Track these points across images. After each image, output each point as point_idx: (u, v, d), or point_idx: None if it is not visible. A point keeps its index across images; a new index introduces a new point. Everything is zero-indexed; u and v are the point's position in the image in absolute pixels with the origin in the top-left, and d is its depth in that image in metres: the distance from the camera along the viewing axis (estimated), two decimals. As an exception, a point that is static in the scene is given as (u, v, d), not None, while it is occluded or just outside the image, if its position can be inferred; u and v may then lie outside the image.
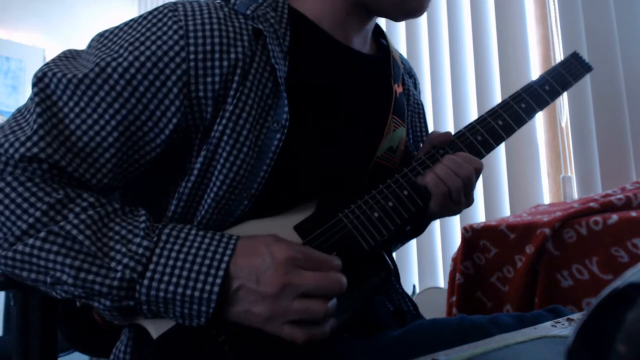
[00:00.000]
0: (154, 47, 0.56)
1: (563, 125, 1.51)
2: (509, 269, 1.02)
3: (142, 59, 0.56)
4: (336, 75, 0.68)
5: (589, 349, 0.25)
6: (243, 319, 0.53)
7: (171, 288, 0.51)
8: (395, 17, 0.71)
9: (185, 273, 0.52)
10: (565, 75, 0.74)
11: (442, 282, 1.79)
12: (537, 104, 0.71)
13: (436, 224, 1.80)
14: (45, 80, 0.55)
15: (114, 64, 0.55)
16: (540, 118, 1.56)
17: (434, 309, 1.53)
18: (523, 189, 1.54)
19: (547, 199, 1.53)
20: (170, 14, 0.58)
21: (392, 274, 0.66)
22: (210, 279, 0.51)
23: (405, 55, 1.93)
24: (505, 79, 1.59)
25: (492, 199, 1.61)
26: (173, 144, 0.60)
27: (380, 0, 0.67)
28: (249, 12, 0.61)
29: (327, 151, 0.66)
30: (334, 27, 0.69)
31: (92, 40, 0.62)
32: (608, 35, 1.34)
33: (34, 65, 2.97)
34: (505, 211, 1.58)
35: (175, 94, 0.57)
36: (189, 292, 0.51)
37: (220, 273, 0.52)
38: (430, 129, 1.89)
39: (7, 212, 0.51)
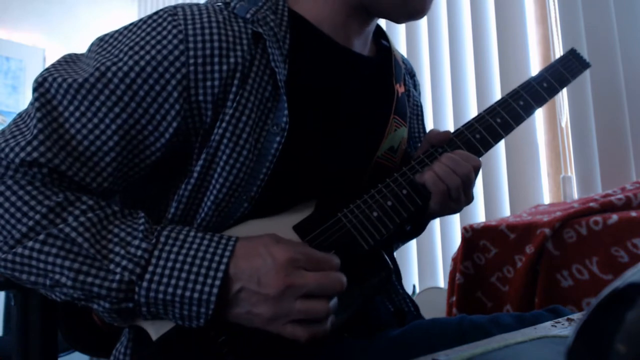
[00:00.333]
0: (153, 52, 0.56)
1: (563, 125, 1.51)
2: (509, 269, 1.02)
3: (142, 63, 0.56)
4: (336, 78, 0.68)
5: (589, 349, 0.25)
6: (245, 320, 0.53)
7: (170, 290, 0.51)
8: (397, 19, 0.70)
9: (184, 275, 0.52)
10: (563, 72, 0.74)
11: (442, 282, 1.79)
12: (535, 101, 0.71)
13: (436, 224, 1.80)
14: (46, 85, 0.56)
15: (114, 68, 0.56)
16: (540, 118, 1.56)
17: (434, 309, 1.53)
18: (523, 189, 1.54)
19: (547, 199, 1.53)
20: (169, 18, 0.58)
21: (392, 274, 0.66)
22: (209, 281, 0.51)
23: (405, 55, 1.93)
24: (505, 79, 1.59)
25: (492, 199, 1.61)
26: (173, 148, 0.60)
27: (381, 2, 0.67)
28: (248, 15, 0.61)
29: (327, 153, 0.66)
30: (334, 30, 0.69)
31: (92, 44, 0.62)
32: (608, 35, 1.34)
33: (34, 65, 2.97)
34: (505, 211, 1.58)
35: (175, 98, 0.57)
36: (188, 293, 0.51)
37: (220, 274, 0.52)
38: (430, 128, 1.89)
39: (7, 215, 0.52)
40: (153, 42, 0.57)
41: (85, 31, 3.10)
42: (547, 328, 0.45)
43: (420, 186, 0.66)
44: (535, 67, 1.57)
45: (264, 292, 0.51)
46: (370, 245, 0.62)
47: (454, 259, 1.14)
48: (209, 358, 0.55)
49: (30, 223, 0.51)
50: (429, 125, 1.86)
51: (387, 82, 0.75)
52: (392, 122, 0.72)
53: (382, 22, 2.06)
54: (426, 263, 1.83)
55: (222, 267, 0.52)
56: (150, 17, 0.60)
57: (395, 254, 2.01)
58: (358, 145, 0.70)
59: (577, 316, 0.51)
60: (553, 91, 0.73)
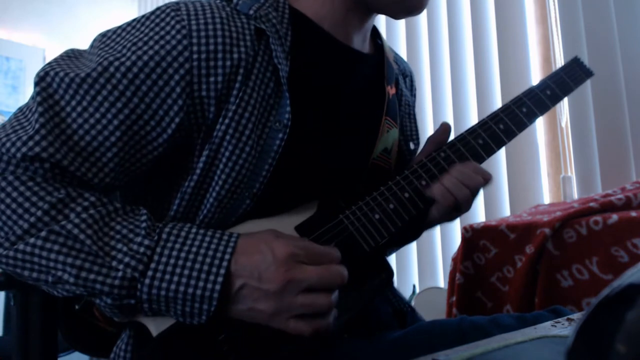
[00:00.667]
0: (157, 47, 0.56)
1: (563, 125, 1.51)
2: (509, 269, 1.02)
3: (145, 58, 0.56)
4: (336, 75, 0.69)
5: (589, 349, 0.25)
6: (247, 317, 0.53)
7: (172, 287, 0.51)
8: (395, 15, 0.71)
9: (186, 271, 0.52)
10: (566, 80, 0.74)
11: (442, 282, 1.79)
12: (538, 108, 0.72)
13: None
14: (48, 80, 0.55)
15: (116, 63, 0.55)
16: (540, 118, 1.55)
17: (434, 309, 1.53)
18: (523, 189, 1.54)
19: (547, 199, 1.53)
20: (172, 14, 0.58)
21: (393, 275, 0.67)
22: (212, 277, 0.51)
23: (405, 55, 1.93)
24: (505, 79, 1.59)
25: (492, 199, 1.61)
26: (175, 143, 0.60)
27: None
28: (251, 12, 0.61)
29: (327, 151, 0.66)
30: (334, 26, 0.69)
31: (95, 40, 0.62)
32: (608, 36, 1.34)
33: (34, 65, 2.97)
34: (505, 211, 1.58)
35: (178, 93, 0.57)
36: (190, 290, 0.51)
37: (222, 271, 0.52)
38: (431, 128, 1.90)
39: (8, 212, 0.51)
40: (156, 37, 0.57)
41: (85, 31, 3.10)
42: (547, 328, 0.45)
43: (424, 193, 0.66)
44: (535, 67, 1.57)
45: (265, 287, 0.51)
46: (371, 247, 0.62)
47: (454, 259, 1.14)
48: (209, 355, 0.55)
49: (32, 219, 0.51)
50: (430, 125, 1.86)
51: (381, 83, 0.75)
52: (384, 123, 0.73)
53: (382, 22, 2.06)
54: (426, 263, 1.83)
55: (225, 263, 0.52)
56: (153, 12, 0.60)
57: (395, 254, 2.01)
58: (356, 144, 0.70)
59: (577, 316, 0.51)
60: (556, 99, 0.73)
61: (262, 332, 0.54)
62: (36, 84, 0.55)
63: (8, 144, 0.53)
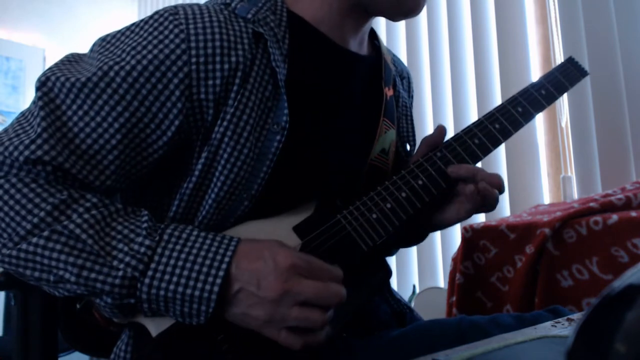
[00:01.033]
0: (155, 51, 0.57)
1: (563, 125, 1.51)
2: (509, 269, 1.02)
3: (145, 62, 0.57)
4: (334, 78, 0.69)
5: (589, 349, 0.25)
6: (241, 321, 0.54)
7: (172, 287, 0.52)
8: (392, 17, 0.71)
9: (186, 272, 0.52)
10: (561, 79, 0.75)
11: (442, 282, 1.79)
12: (533, 108, 0.72)
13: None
14: (49, 84, 0.56)
15: (116, 67, 0.56)
16: (540, 118, 1.56)
17: (434, 309, 1.53)
18: (523, 189, 1.54)
19: (547, 199, 1.53)
20: (170, 17, 0.59)
21: (391, 275, 0.67)
22: (210, 279, 0.52)
23: (405, 55, 1.93)
24: (505, 79, 1.59)
25: (492, 199, 1.60)
26: (175, 146, 0.60)
27: (377, 1, 0.68)
28: (249, 15, 0.62)
29: (325, 152, 0.66)
30: (332, 29, 0.69)
31: (94, 44, 0.62)
32: (608, 35, 1.34)
33: (34, 65, 2.97)
34: (505, 211, 1.58)
35: (177, 96, 0.57)
36: (189, 291, 0.51)
37: (221, 273, 0.52)
38: (430, 128, 1.89)
39: (12, 213, 0.52)
40: (155, 41, 0.58)
41: (85, 31, 3.11)
42: (547, 328, 0.45)
43: (422, 193, 0.66)
44: (535, 67, 1.57)
45: (262, 295, 0.51)
46: (369, 246, 0.62)
47: (454, 259, 1.14)
48: (208, 355, 0.55)
49: (35, 220, 0.52)
50: (429, 125, 1.86)
51: (378, 84, 0.75)
52: (382, 124, 0.73)
53: (382, 22, 2.06)
54: (426, 263, 1.83)
55: (224, 266, 0.52)
56: (151, 17, 0.61)
57: (394, 254, 2.01)
58: (354, 145, 0.70)
59: (577, 316, 0.51)
60: (551, 98, 0.73)
61: (260, 334, 0.54)
62: (37, 88, 0.56)
63: (11, 148, 0.53)
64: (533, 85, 0.73)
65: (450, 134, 0.71)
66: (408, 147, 0.82)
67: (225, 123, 0.59)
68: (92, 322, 0.61)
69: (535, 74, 1.55)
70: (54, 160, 0.53)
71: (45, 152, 0.53)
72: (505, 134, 0.70)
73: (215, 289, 0.51)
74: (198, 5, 0.61)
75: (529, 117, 0.71)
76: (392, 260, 1.92)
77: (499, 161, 1.61)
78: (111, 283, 0.51)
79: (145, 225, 0.54)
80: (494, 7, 1.63)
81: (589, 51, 1.36)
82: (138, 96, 0.56)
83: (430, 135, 0.71)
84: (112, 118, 0.56)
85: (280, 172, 0.61)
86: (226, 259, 0.53)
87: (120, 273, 0.51)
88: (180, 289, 0.51)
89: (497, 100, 1.62)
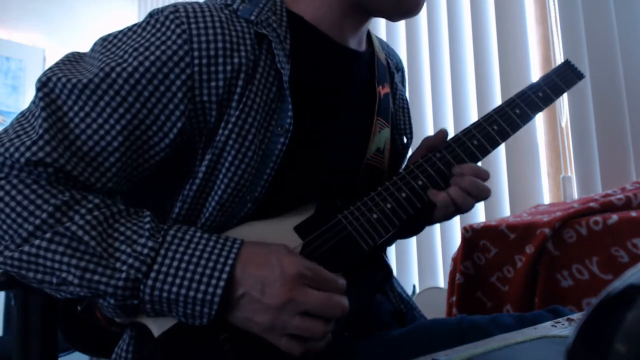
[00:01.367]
0: (158, 52, 0.56)
1: (563, 125, 1.51)
2: (509, 269, 1.02)
3: (147, 63, 0.56)
4: (335, 77, 0.69)
5: (589, 349, 0.25)
6: (243, 325, 0.54)
7: (174, 289, 0.51)
8: (392, 17, 0.71)
9: (189, 274, 0.52)
10: (558, 82, 0.76)
11: (442, 282, 1.79)
12: (530, 109, 0.73)
13: (436, 224, 1.80)
14: (50, 85, 0.56)
15: (118, 69, 0.56)
16: (540, 118, 1.56)
17: (434, 309, 1.53)
18: (523, 189, 1.54)
19: (547, 199, 1.53)
20: (172, 17, 0.58)
21: (392, 274, 0.67)
22: (213, 281, 0.52)
23: (405, 55, 1.93)
24: (505, 79, 1.59)
25: (492, 199, 1.61)
26: (177, 148, 0.60)
27: (377, 1, 0.68)
28: (252, 17, 0.61)
29: (324, 152, 0.66)
30: (331, 29, 0.69)
31: (95, 44, 0.62)
32: (608, 35, 1.34)
33: (34, 65, 2.97)
34: (505, 211, 1.58)
35: (179, 98, 0.57)
36: (192, 293, 0.51)
37: (224, 276, 0.52)
38: (431, 129, 1.90)
39: (13, 215, 0.52)
40: (157, 42, 0.57)
41: (85, 31, 3.11)
42: (547, 328, 0.45)
43: (422, 193, 0.66)
44: (535, 67, 1.57)
45: (265, 301, 0.52)
46: (370, 246, 0.62)
47: (454, 259, 1.14)
48: (210, 355, 0.55)
49: (37, 222, 0.51)
50: (429, 125, 1.86)
51: (372, 83, 0.75)
52: (376, 123, 0.73)
53: (382, 22, 2.05)
54: (426, 263, 1.83)
55: (227, 268, 0.52)
56: (152, 16, 0.60)
57: (395, 254, 2.01)
58: (351, 145, 0.70)
59: (577, 316, 0.51)
60: (548, 100, 0.74)
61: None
62: (38, 89, 0.56)
63: (12, 149, 0.53)
64: (530, 87, 0.74)
65: (450, 134, 0.71)
66: (405, 140, 0.82)
67: (229, 126, 0.58)
68: (93, 322, 0.61)
69: (535, 74, 1.55)
70: (56, 162, 0.53)
71: (47, 153, 0.53)
72: (503, 136, 0.71)
73: (219, 291, 0.51)
74: (198, 3, 0.61)
75: (526, 118, 0.72)
76: (392, 260, 1.92)
77: (499, 161, 1.61)
78: (114, 285, 0.51)
79: (148, 226, 0.54)
80: (494, 7, 1.63)
81: (589, 51, 1.36)
82: (140, 98, 0.56)
83: (431, 137, 0.71)
84: (114, 120, 0.55)
85: (282, 174, 0.61)
86: (229, 262, 0.53)
87: (123, 275, 0.51)
88: (183, 291, 0.51)
89: (497, 100, 1.62)
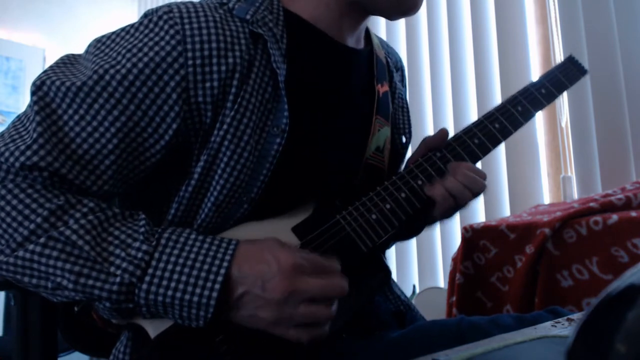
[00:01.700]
0: (151, 53, 0.56)
1: (563, 125, 1.51)
2: (509, 269, 1.02)
3: (140, 65, 0.56)
4: (334, 76, 0.69)
5: (589, 349, 0.25)
6: (248, 323, 0.54)
7: (170, 292, 0.51)
8: (390, 16, 0.71)
9: (184, 277, 0.52)
10: (561, 78, 0.75)
11: (442, 282, 1.79)
12: (533, 106, 0.72)
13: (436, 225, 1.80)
14: (44, 89, 0.55)
15: (112, 71, 0.55)
16: (540, 118, 1.56)
17: (434, 309, 1.53)
18: (523, 189, 1.53)
19: (547, 199, 1.53)
20: (165, 17, 0.58)
21: (390, 275, 0.67)
22: (209, 284, 0.51)
23: (405, 55, 1.93)
24: (505, 79, 1.59)
25: (492, 199, 1.61)
26: (173, 149, 0.60)
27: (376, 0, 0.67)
28: (248, 16, 0.61)
29: (323, 152, 0.66)
30: (329, 27, 0.69)
31: (89, 46, 0.61)
32: (608, 35, 1.34)
33: (34, 65, 2.97)
34: (505, 211, 1.58)
35: (174, 99, 0.57)
36: (187, 297, 0.51)
37: (220, 278, 0.52)
38: (431, 128, 1.89)
39: (8, 219, 0.52)
40: (151, 43, 0.57)
41: (85, 31, 3.10)
42: (547, 328, 0.45)
43: (423, 194, 0.66)
44: (535, 67, 1.57)
45: (268, 297, 0.52)
46: (368, 247, 0.62)
47: (454, 259, 1.14)
48: (207, 356, 0.55)
49: (32, 226, 0.51)
50: (429, 125, 1.86)
51: (371, 82, 0.75)
52: (375, 122, 0.73)
53: (382, 22, 2.05)
54: (426, 263, 1.83)
55: (222, 271, 0.52)
56: (146, 16, 0.60)
57: (395, 254, 2.00)
58: (350, 145, 0.70)
59: (577, 316, 0.51)
60: (551, 97, 0.73)
61: (259, 334, 0.54)
62: (33, 93, 0.55)
63: (7, 154, 0.53)
64: (533, 84, 0.73)
65: (450, 133, 0.71)
66: (404, 140, 0.82)
67: (225, 126, 0.58)
68: (91, 322, 0.61)
69: (535, 74, 1.55)
70: (51, 166, 0.53)
71: (42, 157, 0.52)
72: (505, 134, 0.70)
73: (214, 294, 0.51)
74: (192, 3, 0.60)
75: (528, 116, 0.71)
76: (392, 260, 1.92)
77: (499, 161, 1.61)
78: (108, 289, 0.51)
79: (142, 229, 0.54)
80: (494, 7, 1.63)
81: (589, 51, 1.36)
82: (134, 100, 0.56)
83: (432, 137, 0.71)
84: (109, 123, 0.55)
85: (279, 174, 0.61)
86: (225, 263, 0.52)
87: (118, 279, 0.51)
88: (178, 294, 0.51)
89: (497, 100, 1.62)
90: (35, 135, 0.53)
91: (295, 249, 0.56)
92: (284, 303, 0.51)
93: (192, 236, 0.55)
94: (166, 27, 0.57)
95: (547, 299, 0.93)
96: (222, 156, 0.58)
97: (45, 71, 0.58)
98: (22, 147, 0.53)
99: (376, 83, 0.75)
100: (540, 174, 1.52)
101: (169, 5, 0.59)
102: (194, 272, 0.52)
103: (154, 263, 0.52)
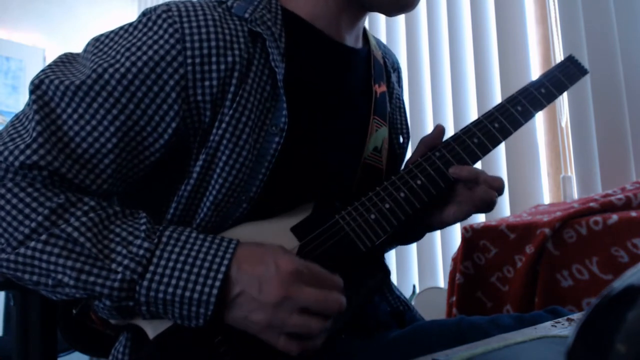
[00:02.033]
0: (150, 52, 0.56)
1: (563, 125, 1.51)
2: (509, 269, 1.02)
3: (140, 64, 0.56)
4: (332, 75, 0.69)
5: (589, 349, 0.25)
6: (240, 325, 0.53)
7: (170, 290, 0.51)
8: (388, 12, 0.71)
9: (185, 275, 0.52)
10: (561, 78, 0.74)
11: (442, 282, 1.79)
12: (533, 106, 0.71)
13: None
14: (43, 88, 0.55)
15: (111, 70, 0.55)
16: (540, 118, 1.56)
17: (434, 309, 1.53)
18: (523, 189, 1.53)
19: (547, 199, 1.53)
20: (164, 15, 0.58)
21: (389, 275, 0.67)
22: (209, 282, 0.51)
23: (405, 55, 1.93)
24: (505, 79, 1.59)
25: (492, 199, 1.60)
26: (172, 148, 0.60)
27: None
28: (247, 15, 0.61)
29: (321, 152, 0.66)
30: (328, 25, 0.69)
31: (88, 44, 0.61)
32: (608, 35, 1.34)
33: (34, 65, 2.97)
34: (505, 211, 1.58)
35: (173, 98, 0.57)
36: (188, 293, 0.51)
37: (220, 276, 0.52)
38: (430, 129, 1.89)
39: (9, 218, 0.52)
40: (150, 42, 0.57)
41: (85, 31, 3.10)
42: (547, 328, 0.45)
43: (421, 192, 0.66)
44: (535, 67, 1.57)
45: (262, 299, 0.51)
46: (367, 247, 0.62)
47: (454, 259, 1.14)
48: (206, 357, 0.55)
49: (33, 225, 0.51)
50: (429, 125, 1.86)
51: (368, 82, 0.75)
52: (373, 122, 0.73)
53: (382, 21, 2.06)
54: (426, 263, 1.83)
55: (223, 269, 0.52)
56: (145, 15, 0.60)
57: (395, 254, 2.00)
58: (348, 145, 0.70)
59: (577, 316, 0.51)
60: (551, 97, 0.73)
61: (257, 337, 0.54)
62: (31, 92, 0.55)
63: (6, 153, 0.53)
64: (532, 84, 0.73)
65: (450, 133, 0.71)
66: (401, 140, 0.82)
67: (223, 125, 0.58)
68: (91, 322, 0.61)
69: (535, 74, 1.55)
70: (50, 165, 0.53)
71: (41, 157, 0.52)
72: (504, 133, 0.70)
73: (215, 291, 0.51)
74: (191, 1, 0.60)
75: (528, 116, 0.71)
76: (392, 260, 1.92)
77: (499, 161, 1.61)
78: (110, 286, 0.51)
79: (143, 227, 0.54)
80: (494, 7, 1.63)
81: (589, 51, 1.36)
82: (133, 99, 0.56)
83: (429, 135, 0.71)
84: (108, 121, 0.55)
85: (278, 174, 0.61)
86: (225, 262, 0.52)
87: (119, 276, 0.51)
88: (179, 291, 0.51)
89: (497, 100, 1.61)
90: (34, 134, 0.53)
91: (297, 257, 0.55)
92: (277, 308, 0.51)
93: (193, 234, 0.55)
94: (165, 25, 0.57)
95: (547, 299, 0.93)
96: (221, 155, 0.58)
97: (43, 70, 0.58)
98: (22, 146, 0.53)
99: (373, 83, 0.75)
100: (540, 174, 1.52)
101: (167, 4, 0.59)
102: (195, 270, 0.52)
103: (155, 260, 0.52)
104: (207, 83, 0.57)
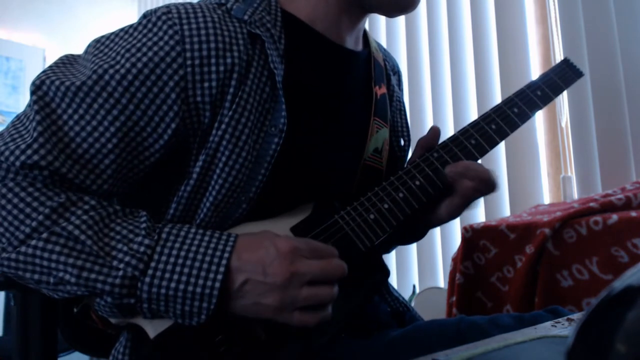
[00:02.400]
0: (150, 53, 0.57)
1: (563, 125, 1.51)
2: (509, 269, 1.02)
3: (140, 65, 0.56)
4: (331, 77, 0.69)
5: (589, 349, 0.25)
6: (252, 312, 0.54)
7: (172, 285, 0.51)
8: (389, 13, 0.71)
9: (186, 270, 0.52)
10: (556, 80, 0.75)
11: (442, 282, 1.79)
12: (529, 108, 0.72)
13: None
14: (44, 88, 0.56)
15: (111, 71, 0.56)
16: (540, 118, 1.56)
17: (434, 309, 1.53)
18: (523, 189, 1.53)
19: (547, 199, 1.53)
20: (164, 17, 0.58)
21: (389, 275, 0.67)
22: (211, 275, 0.52)
23: (405, 55, 1.93)
24: (505, 79, 1.59)
25: (492, 199, 1.61)
26: (171, 149, 0.60)
27: None
28: (246, 17, 0.61)
29: (321, 153, 0.66)
30: (328, 27, 0.69)
31: (89, 46, 0.62)
32: (608, 35, 1.34)
33: (34, 65, 2.97)
34: (505, 211, 1.58)
35: (173, 99, 0.57)
36: (190, 288, 0.51)
37: (221, 269, 0.52)
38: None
39: (10, 217, 0.52)
40: (149, 43, 0.57)
41: (85, 31, 3.10)
42: (547, 328, 0.45)
43: (420, 193, 0.66)
44: (535, 67, 1.57)
45: (270, 281, 0.52)
46: (367, 246, 0.62)
47: (454, 259, 1.14)
48: (206, 356, 0.55)
49: (34, 224, 0.52)
50: (429, 125, 1.86)
51: (369, 83, 0.75)
52: (373, 124, 0.73)
53: (382, 21, 2.06)
54: (426, 263, 1.83)
55: (224, 261, 0.53)
56: (145, 17, 0.60)
57: (395, 254, 2.00)
58: (348, 146, 0.70)
59: (577, 316, 0.51)
60: (547, 99, 0.74)
61: (257, 334, 0.54)
62: (32, 92, 0.56)
63: (7, 153, 0.53)
64: (529, 86, 0.74)
65: (450, 133, 0.71)
66: (402, 142, 0.82)
67: (223, 126, 0.58)
68: (91, 322, 0.61)
69: (535, 74, 1.55)
70: (51, 165, 0.53)
71: (42, 157, 0.53)
72: (501, 135, 0.70)
73: (217, 284, 0.51)
74: (191, 4, 0.61)
75: (524, 117, 0.72)
76: (392, 260, 1.92)
77: (498, 161, 1.61)
78: (111, 283, 0.51)
79: (144, 225, 0.54)
80: (494, 7, 1.63)
81: (589, 51, 1.36)
82: (133, 100, 0.56)
83: (425, 137, 0.71)
84: (108, 122, 0.56)
85: (278, 174, 0.61)
86: (226, 255, 0.53)
87: (121, 273, 0.51)
88: (181, 286, 0.51)
89: (497, 100, 1.62)
90: (35, 135, 0.54)
91: (292, 235, 0.56)
92: (287, 286, 0.52)
93: (193, 230, 0.55)
94: (165, 27, 0.58)
95: (547, 299, 0.93)
96: (221, 156, 0.58)
97: (44, 71, 0.58)
98: (23, 146, 0.53)
99: (374, 85, 0.75)
100: (540, 174, 1.52)
101: (167, 6, 0.60)
102: (196, 264, 0.52)
103: (156, 257, 0.52)
104: (206, 84, 0.58)
